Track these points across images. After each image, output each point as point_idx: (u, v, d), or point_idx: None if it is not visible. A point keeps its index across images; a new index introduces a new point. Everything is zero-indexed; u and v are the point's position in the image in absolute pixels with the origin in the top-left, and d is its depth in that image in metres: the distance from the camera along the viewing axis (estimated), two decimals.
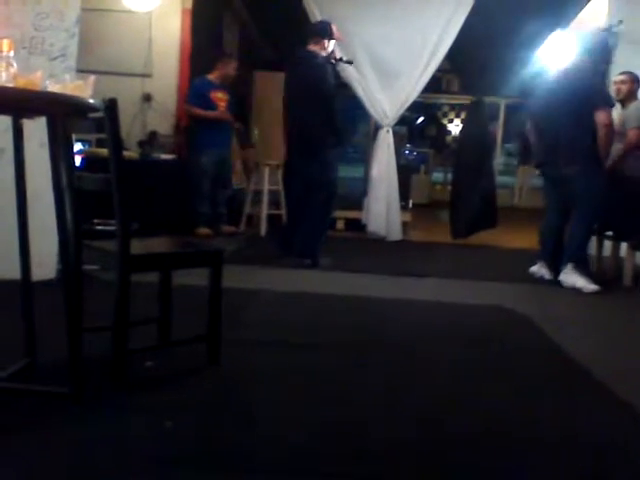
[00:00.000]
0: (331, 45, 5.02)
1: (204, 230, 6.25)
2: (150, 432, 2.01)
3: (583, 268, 4.69)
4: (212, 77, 6.38)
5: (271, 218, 6.64)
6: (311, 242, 5.03)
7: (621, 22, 5.61)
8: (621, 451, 2.11)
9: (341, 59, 5.31)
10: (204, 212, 6.30)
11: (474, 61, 10.76)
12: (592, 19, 6.91)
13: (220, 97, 6.36)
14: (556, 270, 4.81)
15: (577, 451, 2.09)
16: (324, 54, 4.96)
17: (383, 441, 2.06)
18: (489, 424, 2.25)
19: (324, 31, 5.03)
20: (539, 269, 4.99)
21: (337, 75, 5.28)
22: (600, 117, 4.54)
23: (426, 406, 2.39)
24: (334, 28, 5.07)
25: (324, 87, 4.82)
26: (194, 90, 6.41)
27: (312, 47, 4.96)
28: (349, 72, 6.35)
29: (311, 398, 2.41)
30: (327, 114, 4.81)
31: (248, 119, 8.86)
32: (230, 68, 6.42)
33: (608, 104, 4.65)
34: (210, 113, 6.26)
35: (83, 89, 2.16)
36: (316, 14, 6.18)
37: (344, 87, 6.44)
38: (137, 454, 1.87)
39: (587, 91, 4.63)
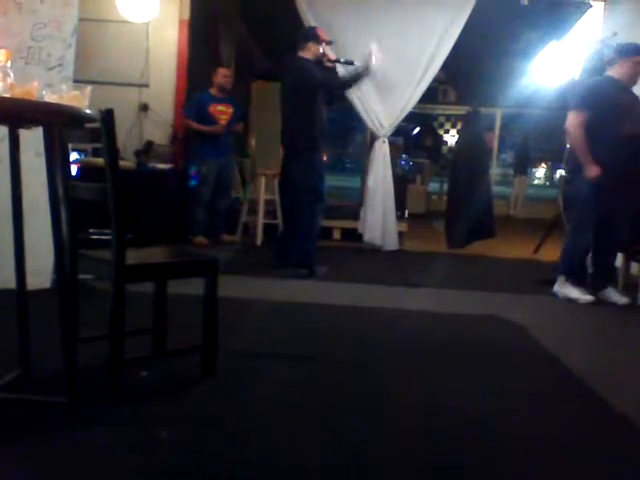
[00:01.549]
0: (320, 49, 5.04)
1: (201, 239, 6.27)
2: (146, 443, 2.01)
3: (576, 279, 4.67)
4: (212, 91, 6.46)
5: (268, 228, 6.64)
6: (306, 251, 5.03)
7: (616, 34, 5.64)
8: (620, 464, 2.11)
9: (338, 60, 5.32)
10: (201, 221, 6.35)
11: (470, 72, 10.83)
12: (587, 31, 6.95)
13: (221, 110, 6.42)
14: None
15: (575, 461, 2.09)
16: (313, 58, 4.98)
17: (384, 455, 2.06)
18: (486, 435, 2.25)
19: (309, 35, 5.08)
20: None
21: (335, 77, 5.28)
22: (567, 121, 4.52)
23: (425, 416, 2.39)
24: (320, 31, 5.11)
25: (306, 86, 4.85)
26: (192, 103, 6.52)
27: (301, 53, 5.00)
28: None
29: (308, 410, 2.40)
30: (308, 116, 4.84)
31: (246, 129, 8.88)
32: (219, 76, 6.46)
33: (575, 106, 4.50)
34: (203, 127, 6.33)
35: (80, 99, 2.17)
36: (312, 24, 6.20)
37: (342, 98, 6.47)
38: (132, 465, 1.86)
39: (570, 96, 4.63)
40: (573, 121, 4.49)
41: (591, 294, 4.65)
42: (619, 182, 4.46)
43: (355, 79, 5.07)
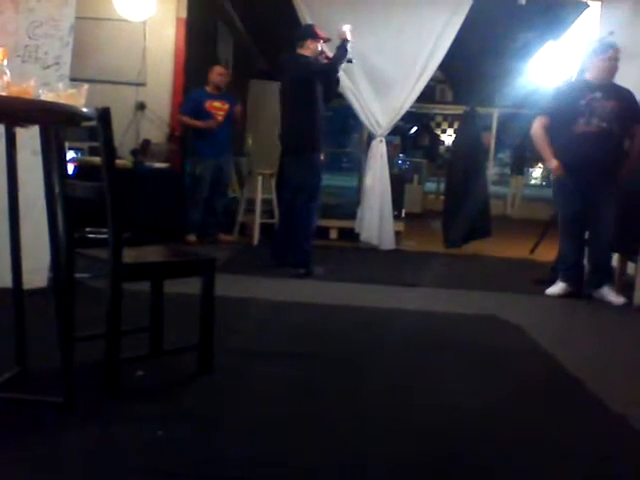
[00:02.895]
0: (318, 46, 5.05)
1: (191, 237, 6.30)
2: (142, 442, 2.00)
3: (566, 278, 4.80)
4: (208, 88, 6.46)
5: (265, 227, 6.64)
6: (303, 251, 5.03)
7: (612, 33, 5.64)
8: (619, 464, 2.11)
9: None
10: (195, 220, 6.35)
11: (467, 71, 10.84)
12: (584, 31, 6.96)
13: (217, 106, 6.42)
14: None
15: (574, 462, 2.10)
16: (311, 56, 4.99)
17: (383, 454, 2.06)
18: (484, 434, 2.25)
19: (307, 33, 5.10)
20: None
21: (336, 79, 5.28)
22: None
23: (425, 418, 2.38)
24: (318, 29, 5.11)
25: (307, 77, 4.89)
26: (187, 100, 6.56)
27: (299, 51, 5.01)
28: (342, 81, 6.37)
29: (306, 409, 2.40)
30: (308, 114, 4.86)
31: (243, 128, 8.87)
32: (214, 74, 6.47)
33: (538, 111, 4.89)
34: (197, 122, 6.34)
35: (76, 98, 2.17)
36: (309, 22, 6.19)
37: (338, 96, 6.47)
38: (130, 464, 1.86)
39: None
40: (534, 125, 4.82)
41: (587, 293, 4.74)
42: (577, 181, 4.62)
43: (339, 58, 5.08)
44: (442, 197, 9.23)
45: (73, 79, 3.80)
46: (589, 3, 6.54)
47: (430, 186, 16.29)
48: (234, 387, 2.56)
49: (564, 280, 4.81)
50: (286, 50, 5.20)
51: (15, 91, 2.02)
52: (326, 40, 5.17)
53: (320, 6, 6.41)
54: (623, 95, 4.64)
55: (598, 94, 4.58)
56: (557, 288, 4.82)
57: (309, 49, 5.00)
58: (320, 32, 5.10)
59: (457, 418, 2.37)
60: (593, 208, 4.63)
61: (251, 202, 6.74)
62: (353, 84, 6.50)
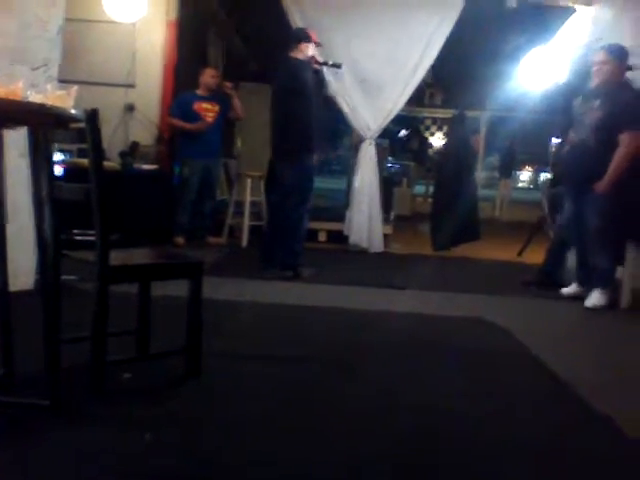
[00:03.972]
0: (310, 49, 5.06)
1: (178, 239, 6.29)
2: (130, 445, 2.00)
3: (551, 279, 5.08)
4: (199, 91, 6.47)
5: (253, 229, 6.64)
6: (293, 253, 5.03)
7: (601, 39, 5.68)
8: (606, 466, 2.13)
9: (326, 63, 5.33)
10: (182, 222, 6.35)
11: (457, 75, 10.87)
12: (572, 36, 7.00)
13: (206, 108, 6.43)
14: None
15: (562, 464, 2.11)
16: (304, 59, 5.00)
17: (375, 455, 2.06)
18: (475, 436, 2.26)
19: (300, 36, 5.11)
20: None
21: (322, 82, 5.30)
22: None
23: (414, 419, 2.39)
24: (311, 32, 5.13)
25: (296, 88, 4.87)
26: (176, 102, 6.57)
27: (292, 54, 5.02)
28: (332, 84, 6.39)
29: (296, 411, 2.40)
30: (301, 116, 4.86)
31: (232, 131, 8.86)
32: (207, 76, 6.49)
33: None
34: (187, 125, 6.34)
35: (65, 99, 2.16)
36: (299, 26, 6.20)
37: (329, 99, 6.48)
38: (117, 467, 1.86)
39: None
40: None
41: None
42: (566, 190, 4.90)
43: None
44: (431, 200, 9.24)
45: (62, 81, 3.78)
46: (577, 8, 6.59)
47: (419, 189, 16.33)
48: (222, 390, 2.55)
49: (576, 282, 4.92)
50: (279, 53, 5.20)
51: (3, 92, 2.01)
52: (318, 44, 5.19)
53: (310, 9, 6.43)
54: (618, 103, 4.48)
55: (596, 104, 4.57)
56: (571, 289, 4.92)
57: (302, 52, 5.00)
58: (313, 36, 5.11)
59: (446, 420, 2.38)
60: (580, 216, 4.68)
61: (240, 204, 6.74)
62: (343, 87, 6.51)
